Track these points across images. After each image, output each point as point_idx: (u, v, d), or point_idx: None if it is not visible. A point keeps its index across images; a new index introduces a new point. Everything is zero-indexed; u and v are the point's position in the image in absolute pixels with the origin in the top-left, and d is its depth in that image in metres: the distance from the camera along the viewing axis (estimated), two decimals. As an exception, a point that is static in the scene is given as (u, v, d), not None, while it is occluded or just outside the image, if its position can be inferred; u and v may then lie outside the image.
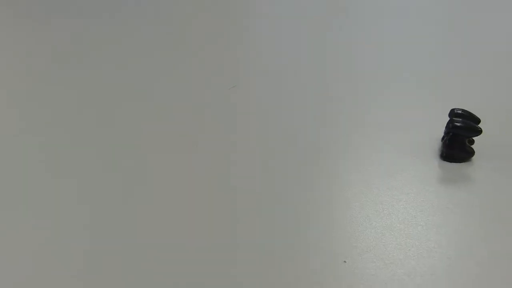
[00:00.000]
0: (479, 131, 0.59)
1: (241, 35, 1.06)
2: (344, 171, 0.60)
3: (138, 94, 0.82)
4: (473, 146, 0.63)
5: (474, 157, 0.61)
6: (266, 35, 1.04)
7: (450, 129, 0.60)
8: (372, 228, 0.52)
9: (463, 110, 0.62)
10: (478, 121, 0.62)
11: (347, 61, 0.88)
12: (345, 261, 0.48)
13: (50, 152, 0.68)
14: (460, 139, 0.60)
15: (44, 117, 0.77)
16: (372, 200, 0.55)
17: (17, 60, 0.98)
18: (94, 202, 0.58)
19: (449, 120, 0.60)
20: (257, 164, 0.62)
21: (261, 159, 0.63)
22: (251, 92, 0.80)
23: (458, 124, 0.59)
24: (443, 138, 0.64)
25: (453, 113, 0.62)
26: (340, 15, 1.11)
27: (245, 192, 0.58)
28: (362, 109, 0.73)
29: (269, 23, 1.11)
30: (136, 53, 0.97)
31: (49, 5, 1.30)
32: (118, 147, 0.68)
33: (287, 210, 0.55)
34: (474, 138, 0.63)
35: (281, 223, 0.53)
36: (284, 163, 0.62)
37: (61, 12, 1.24)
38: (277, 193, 0.57)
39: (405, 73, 0.83)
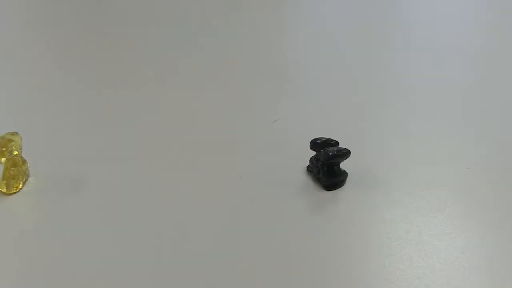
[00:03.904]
0: (348, 152, 0.62)
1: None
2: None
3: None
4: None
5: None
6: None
7: (326, 160, 0.61)
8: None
9: (323, 138, 0.64)
10: (337, 143, 0.65)
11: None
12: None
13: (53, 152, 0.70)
14: (335, 166, 0.63)
15: (50, 122, 0.78)
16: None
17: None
18: (95, 203, 0.61)
19: (320, 151, 0.62)
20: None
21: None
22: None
23: (332, 153, 0.61)
24: (310, 169, 0.65)
25: (316, 144, 0.64)
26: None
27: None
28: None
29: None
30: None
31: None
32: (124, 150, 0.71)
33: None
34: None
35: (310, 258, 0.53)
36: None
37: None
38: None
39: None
